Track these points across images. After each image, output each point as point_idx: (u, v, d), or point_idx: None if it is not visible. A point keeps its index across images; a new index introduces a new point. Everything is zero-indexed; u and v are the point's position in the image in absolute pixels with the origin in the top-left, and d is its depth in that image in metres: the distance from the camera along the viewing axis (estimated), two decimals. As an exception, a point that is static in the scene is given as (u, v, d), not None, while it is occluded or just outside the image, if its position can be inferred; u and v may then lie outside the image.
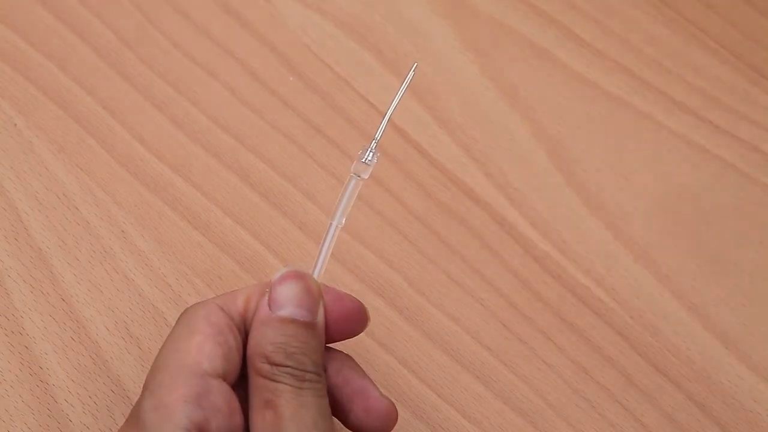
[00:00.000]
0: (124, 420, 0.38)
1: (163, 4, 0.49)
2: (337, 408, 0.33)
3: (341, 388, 0.33)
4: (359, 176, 0.36)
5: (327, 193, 0.44)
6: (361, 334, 0.35)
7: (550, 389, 0.41)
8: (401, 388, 0.40)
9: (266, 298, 0.32)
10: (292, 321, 0.32)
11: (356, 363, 0.34)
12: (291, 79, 0.47)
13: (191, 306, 0.33)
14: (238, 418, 0.31)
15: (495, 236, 0.44)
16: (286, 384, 0.31)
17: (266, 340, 0.31)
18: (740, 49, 0.50)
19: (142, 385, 0.38)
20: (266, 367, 0.31)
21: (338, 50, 0.48)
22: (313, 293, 0.32)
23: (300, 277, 0.32)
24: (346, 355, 0.34)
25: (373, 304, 0.42)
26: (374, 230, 0.44)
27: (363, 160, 0.35)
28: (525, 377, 0.41)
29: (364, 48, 0.49)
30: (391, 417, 0.33)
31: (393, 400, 0.34)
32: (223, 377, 0.31)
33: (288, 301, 0.32)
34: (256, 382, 0.31)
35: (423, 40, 0.49)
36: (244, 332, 0.33)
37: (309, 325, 0.32)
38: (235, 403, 0.31)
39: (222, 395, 0.31)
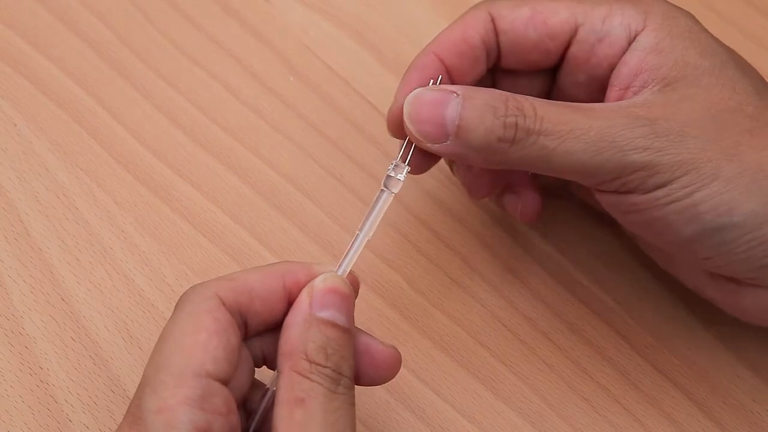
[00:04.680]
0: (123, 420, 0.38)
1: (163, 4, 0.49)
2: None
3: None
4: (391, 190, 0.36)
5: (327, 193, 0.44)
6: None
7: (550, 389, 0.41)
8: (401, 388, 0.40)
9: (306, 297, 0.32)
10: (334, 324, 0.32)
11: None
12: (291, 79, 0.47)
13: (191, 292, 0.32)
14: (235, 419, 0.31)
15: (495, 236, 0.44)
16: (321, 385, 0.31)
17: (308, 338, 0.32)
18: (740, 49, 0.50)
19: (142, 385, 0.39)
20: (305, 364, 0.31)
21: (338, 50, 0.48)
22: (351, 303, 0.33)
23: (342, 284, 0.33)
24: None
25: (373, 304, 0.42)
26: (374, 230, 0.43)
27: (395, 176, 0.36)
28: (525, 377, 0.41)
29: (364, 48, 0.49)
30: (397, 361, 0.34)
31: (388, 386, 0.34)
32: (225, 380, 0.31)
33: (331, 304, 0.32)
34: (290, 378, 0.31)
35: (423, 41, 0.49)
36: (242, 326, 0.33)
37: (346, 331, 0.32)
38: (233, 404, 0.31)
39: (222, 397, 0.31)
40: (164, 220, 0.43)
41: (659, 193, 0.34)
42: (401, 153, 0.36)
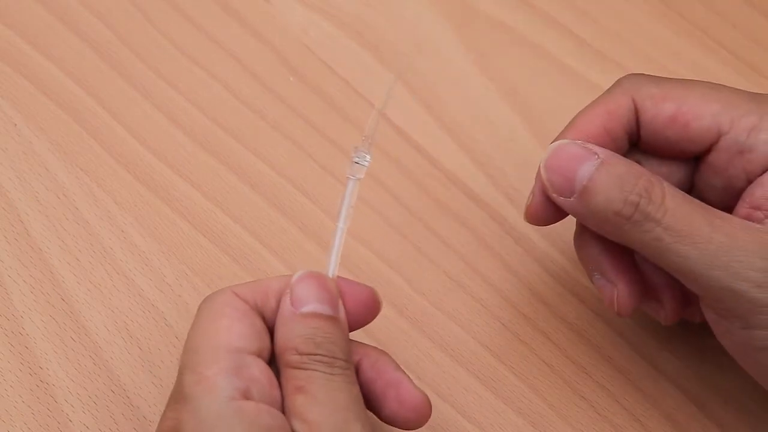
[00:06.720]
0: (124, 420, 0.38)
1: (163, 4, 0.49)
2: (371, 401, 0.34)
3: (375, 381, 0.34)
4: (355, 177, 0.36)
5: (327, 193, 0.44)
6: (361, 334, 0.35)
7: (550, 389, 0.41)
8: (401, 388, 0.40)
9: (287, 298, 0.33)
10: (316, 315, 0.33)
11: (390, 358, 0.35)
12: (291, 79, 0.47)
13: (208, 296, 0.33)
14: (277, 392, 0.32)
15: (495, 236, 0.44)
16: (317, 371, 0.31)
17: (294, 334, 0.32)
18: (740, 49, 0.50)
19: (142, 385, 0.39)
20: (296, 357, 0.32)
21: (338, 50, 0.48)
22: (332, 291, 0.34)
23: (318, 276, 0.34)
24: (381, 350, 0.35)
25: (373, 304, 0.42)
26: (374, 230, 0.44)
27: (356, 161, 0.36)
28: (525, 377, 0.41)
29: (364, 48, 0.49)
30: (425, 409, 0.34)
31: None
32: (258, 354, 0.32)
33: (310, 298, 0.33)
34: (286, 375, 0.32)
35: (423, 40, 0.49)
36: (261, 320, 0.33)
37: (332, 319, 0.33)
38: (273, 377, 0.32)
39: (259, 368, 0.32)
40: (164, 220, 0.43)
41: (758, 334, 0.32)
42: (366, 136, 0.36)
